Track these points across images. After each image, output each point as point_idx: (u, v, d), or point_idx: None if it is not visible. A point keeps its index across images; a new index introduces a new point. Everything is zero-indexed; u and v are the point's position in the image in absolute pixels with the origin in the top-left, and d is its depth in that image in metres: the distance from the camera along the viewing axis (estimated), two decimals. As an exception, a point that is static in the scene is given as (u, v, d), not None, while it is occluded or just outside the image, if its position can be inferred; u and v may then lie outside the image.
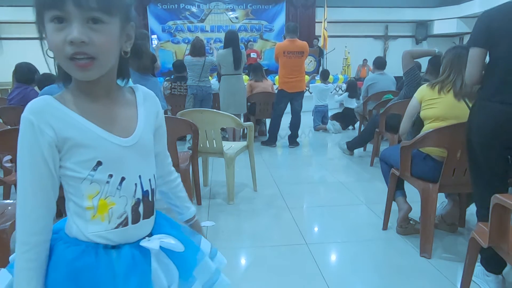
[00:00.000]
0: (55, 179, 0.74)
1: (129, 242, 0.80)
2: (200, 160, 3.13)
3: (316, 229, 2.56)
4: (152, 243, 0.80)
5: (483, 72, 1.73)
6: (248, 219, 2.66)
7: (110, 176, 0.76)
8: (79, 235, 0.77)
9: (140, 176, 0.81)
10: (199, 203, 2.88)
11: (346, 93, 6.25)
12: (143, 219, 0.82)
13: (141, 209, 0.81)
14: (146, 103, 0.88)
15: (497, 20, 1.65)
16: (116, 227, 0.78)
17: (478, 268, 1.77)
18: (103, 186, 0.76)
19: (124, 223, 0.78)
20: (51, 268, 0.74)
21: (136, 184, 0.80)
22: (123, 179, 0.77)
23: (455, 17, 11.56)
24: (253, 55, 9.48)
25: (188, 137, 4.64)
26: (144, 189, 0.82)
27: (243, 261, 2.09)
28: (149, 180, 0.84)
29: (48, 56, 0.73)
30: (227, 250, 2.17)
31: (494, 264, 1.72)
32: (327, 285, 1.83)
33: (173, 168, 1.03)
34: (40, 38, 0.73)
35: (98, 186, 0.75)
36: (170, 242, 0.82)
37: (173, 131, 2.56)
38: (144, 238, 0.82)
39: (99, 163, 0.74)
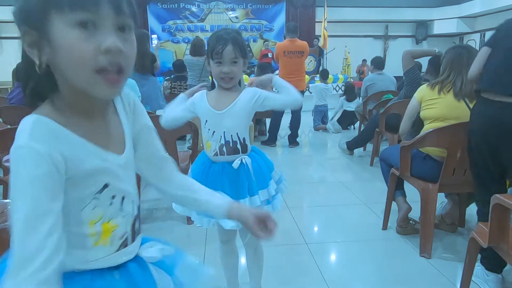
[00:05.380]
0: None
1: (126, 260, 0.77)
2: (200, 159, 3.13)
3: (316, 228, 2.56)
4: (152, 252, 0.79)
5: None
6: (248, 219, 2.65)
7: (113, 197, 0.71)
8: (76, 265, 0.68)
9: (133, 192, 0.77)
10: (199, 202, 2.87)
11: (343, 97, 6.25)
12: (137, 235, 0.79)
13: (137, 225, 0.78)
14: (125, 106, 0.77)
15: None
16: (118, 250, 0.73)
17: (478, 268, 1.77)
18: (106, 209, 0.70)
19: (125, 244, 0.74)
20: None
21: (133, 201, 0.77)
22: (123, 198, 0.73)
23: (455, 17, 11.56)
24: (270, 55, 9.28)
25: (188, 136, 4.64)
26: (137, 205, 0.79)
27: (242, 260, 2.09)
28: (136, 194, 0.80)
29: (40, 67, 0.60)
30: (227, 249, 2.17)
31: (494, 263, 1.72)
32: (327, 285, 1.83)
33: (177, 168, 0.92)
34: (31, 46, 0.59)
35: (101, 210, 0.69)
36: (164, 247, 0.82)
37: (173, 131, 2.56)
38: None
39: (105, 186, 0.69)
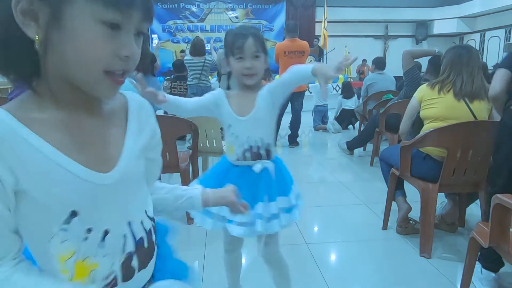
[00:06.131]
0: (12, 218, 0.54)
1: None
2: (200, 159, 3.13)
3: (316, 228, 2.56)
4: None
5: None
6: (248, 219, 2.65)
7: (89, 230, 0.57)
8: None
9: (129, 223, 0.63)
10: (199, 202, 2.87)
11: (341, 96, 6.30)
12: (138, 271, 0.65)
13: (135, 263, 0.64)
14: (141, 118, 0.67)
15: None
16: None
17: (477, 266, 1.77)
18: (79, 244, 0.56)
19: (113, 284, 0.61)
20: None
21: (125, 235, 0.62)
22: (106, 232, 0.59)
23: (455, 17, 11.56)
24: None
25: (188, 136, 4.63)
26: (138, 238, 0.64)
27: (243, 260, 2.09)
28: (142, 222, 0.65)
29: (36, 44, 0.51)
30: (227, 249, 2.16)
31: (492, 261, 1.72)
32: (327, 285, 1.83)
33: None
34: (26, 15, 0.50)
35: (72, 245, 0.56)
36: None
37: (173, 131, 2.56)
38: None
39: (73, 214, 0.55)
